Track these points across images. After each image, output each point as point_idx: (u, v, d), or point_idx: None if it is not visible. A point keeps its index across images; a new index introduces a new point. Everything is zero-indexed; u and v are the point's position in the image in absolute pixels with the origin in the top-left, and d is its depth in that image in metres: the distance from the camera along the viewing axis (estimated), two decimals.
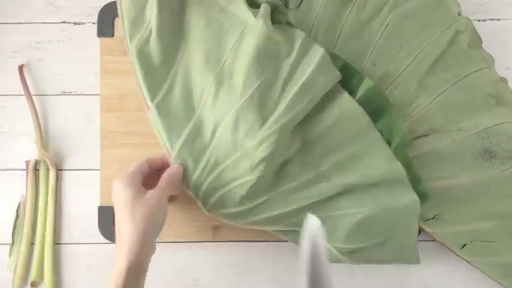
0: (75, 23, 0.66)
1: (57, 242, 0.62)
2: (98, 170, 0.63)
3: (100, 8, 0.64)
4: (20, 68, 0.63)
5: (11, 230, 0.62)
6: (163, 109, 0.55)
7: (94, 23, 0.65)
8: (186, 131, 0.54)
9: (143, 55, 0.55)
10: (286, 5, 0.58)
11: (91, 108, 0.64)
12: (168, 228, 0.62)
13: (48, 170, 0.63)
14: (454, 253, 0.60)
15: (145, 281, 0.48)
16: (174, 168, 0.54)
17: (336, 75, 0.53)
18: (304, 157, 0.55)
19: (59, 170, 0.63)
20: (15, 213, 0.62)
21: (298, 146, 0.54)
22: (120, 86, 0.63)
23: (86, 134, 0.64)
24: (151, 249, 0.51)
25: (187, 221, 0.62)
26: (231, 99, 0.53)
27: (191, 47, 0.55)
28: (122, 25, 0.57)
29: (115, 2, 0.64)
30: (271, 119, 0.52)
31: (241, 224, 0.56)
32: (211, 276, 0.63)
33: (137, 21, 0.56)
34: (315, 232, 0.43)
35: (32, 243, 0.62)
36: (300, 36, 0.55)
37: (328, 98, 0.54)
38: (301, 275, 0.42)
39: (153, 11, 0.55)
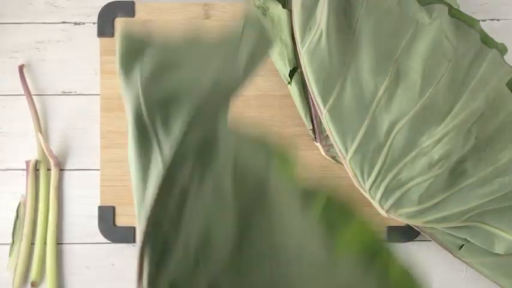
0: (75, 23, 0.66)
1: (58, 242, 0.62)
2: (98, 170, 0.63)
3: (100, 8, 0.64)
4: (20, 68, 0.63)
5: (11, 230, 0.62)
6: (335, 113, 0.54)
7: (94, 23, 0.65)
8: (360, 133, 0.53)
9: (314, 59, 0.54)
10: (284, 5, 0.58)
11: (91, 108, 0.64)
12: None
13: (48, 170, 0.63)
14: (452, 254, 0.60)
15: None
16: None
17: (509, 71, 0.54)
18: (480, 153, 0.55)
19: (60, 170, 0.63)
20: (15, 213, 0.62)
21: (473, 143, 0.55)
22: (120, 86, 0.63)
23: (86, 134, 0.64)
24: None
25: None
26: (408, 99, 0.53)
27: (361, 46, 0.54)
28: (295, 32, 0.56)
29: (115, 2, 0.64)
30: (448, 118, 0.52)
31: (418, 222, 0.56)
32: None
33: (307, 24, 0.55)
34: None
35: (32, 243, 0.62)
36: (473, 35, 0.55)
37: (501, 93, 0.54)
38: None
39: (323, 11, 0.53)
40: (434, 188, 0.54)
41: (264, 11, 0.59)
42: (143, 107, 0.29)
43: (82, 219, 0.63)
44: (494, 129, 0.55)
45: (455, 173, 0.55)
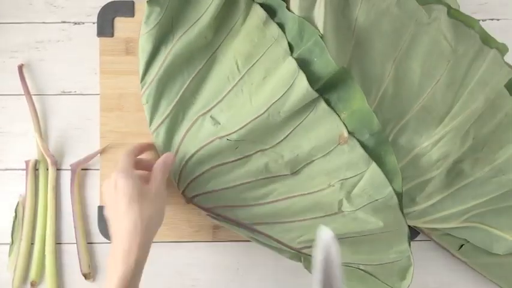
0: (75, 23, 0.66)
1: (57, 242, 0.62)
2: (98, 170, 0.63)
3: (100, 8, 0.64)
4: (20, 68, 0.63)
5: (11, 229, 0.62)
6: None
7: (94, 23, 0.65)
8: None
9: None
10: (286, 1, 0.58)
11: (91, 108, 0.64)
12: (168, 228, 0.62)
13: (47, 169, 0.63)
14: (452, 254, 0.60)
15: (145, 281, 0.48)
16: (167, 157, 0.53)
17: (509, 72, 0.54)
18: (477, 153, 0.55)
19: (58, 169, 0.63)
20: (14, 213, 0.62)
21: (471, 143, 0.55)
22: (120, 86, 0.63)
23: (86, 134, 0.64)
24: (150, 247, 0.50)
25: (187, 221, 0.62)
26: (406, 99, 0.53)
27: (359, 46, 0.54)
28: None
29: (115, 2, 0.64)
30: (447, 119, 0.52)
31: (417, 223, 0.56)
32: (211, 276, 0.63)
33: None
34: (329, 243, 0.41)
35: (32, 243, 0.62)
36: (473, 35, 0.55)
37: (500, 93, 0.55)
38: (314, 285, 0.41)
39: (320, 12, 0.52)
40: (433, 188, 0.54)
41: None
42: None
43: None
44: (491, 130, 0.55)
45: (453, 174, 0.55)
